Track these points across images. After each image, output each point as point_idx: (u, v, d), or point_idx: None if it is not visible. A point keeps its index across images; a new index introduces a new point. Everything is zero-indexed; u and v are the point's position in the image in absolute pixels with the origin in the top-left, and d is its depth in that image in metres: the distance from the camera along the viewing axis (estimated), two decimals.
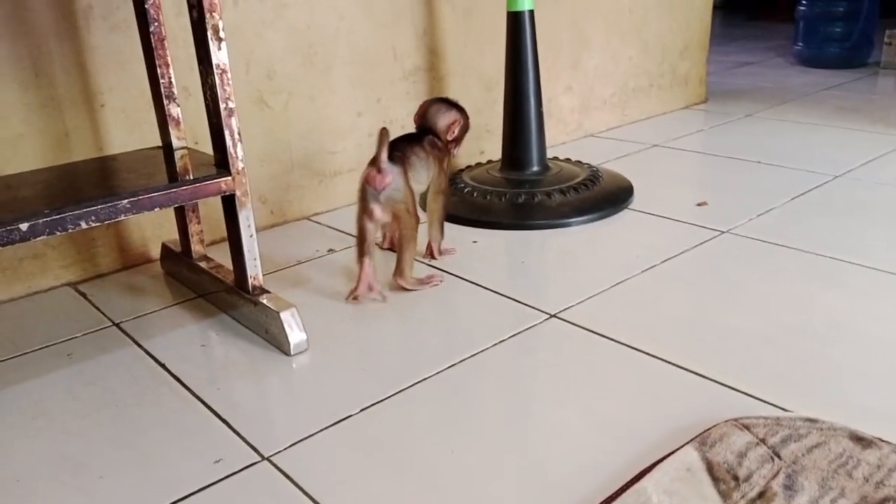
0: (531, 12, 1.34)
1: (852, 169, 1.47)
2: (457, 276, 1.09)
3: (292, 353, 0.89)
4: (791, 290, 0.99)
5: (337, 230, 1.29)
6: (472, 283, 1.06)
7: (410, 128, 1.46)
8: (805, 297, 0.97)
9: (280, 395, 0.84)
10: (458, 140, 1.14)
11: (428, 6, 1.44)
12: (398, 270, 1.04)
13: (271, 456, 0.72)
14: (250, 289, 0.93)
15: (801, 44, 2.63)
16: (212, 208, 1.18)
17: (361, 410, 0.78)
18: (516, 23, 1.34)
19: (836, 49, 2.55)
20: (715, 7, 4.34)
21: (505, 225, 1.28)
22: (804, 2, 2.58)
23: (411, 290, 1.04)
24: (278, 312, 0.89)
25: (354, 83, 1.37)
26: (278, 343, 0.90)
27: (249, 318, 0.95)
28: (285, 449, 0.73)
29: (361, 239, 1.02)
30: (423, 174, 1.07)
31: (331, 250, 1.20)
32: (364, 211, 1.01)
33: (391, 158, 0.99)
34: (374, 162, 0.99)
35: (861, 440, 0.67)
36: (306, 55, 1.30)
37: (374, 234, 1.03)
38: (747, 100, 2.12)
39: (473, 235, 1.24)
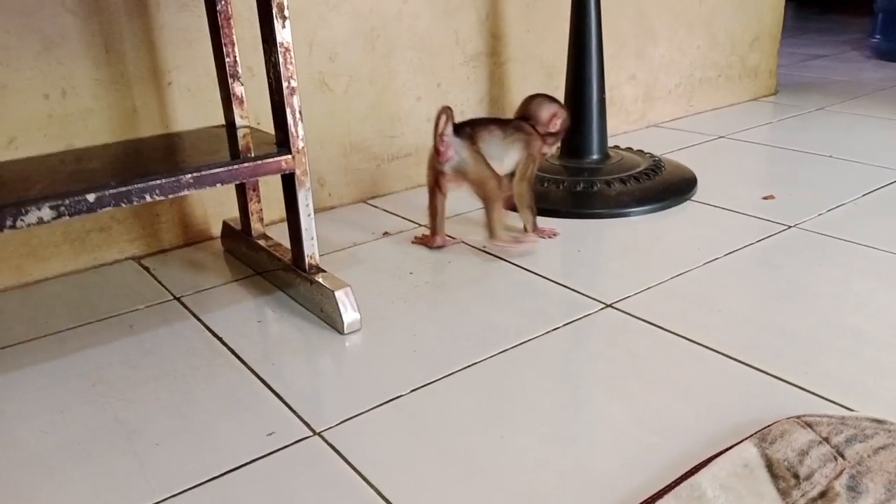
0: None
1: None
2: (511, 262, 1.08)
3: (346, 331, 0.89)
4: (858, 289, 0.95)
5: (393, 214, 1.29)
6: (526, 269, 1.05)
7: (469, 113, 1.46)
8: (872, 297, 0.93)
9: (332, 372, 0.84)
10: (557, 134, 1.16)
11: None
12: (488, 233, 1.08)
13: (322, 431, 0.72)
14: (307, 267, 0.94)
15: (878, 36, 2.52)
16: (272, 188, 1.20)
17: (411, 391, 0.78)
18: (581, 8, 1.32)
19: None
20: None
21: (562, 213, 1.26)
22: None
23: (507, 246, 1.08)
24: (333, 291, 0.89)
25: (415, 68, 1.37)
26: (332, 322, 0.91)
27: (305, 296, 0.96)
28: (336, 425, 0.73)
29: (433, 213, 1.11)
30: (499, 151, 1.08)
31: (386, 233, 1.21)
32: (434, 183, 1.09)
33: (458, 134, 1.04)
34: (440, 133, 1.03)
35: None
36: (368, 39, 1.30)
37: (444, 208, 1.11)
38: (819, 93, 2.05)
39: None
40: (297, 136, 0.90)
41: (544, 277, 1.03)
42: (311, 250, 0.94)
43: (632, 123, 1.78)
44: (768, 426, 0.67)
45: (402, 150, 1.39)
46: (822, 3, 4.06)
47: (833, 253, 1.06)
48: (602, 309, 0.94)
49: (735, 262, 1.05)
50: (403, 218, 1.27)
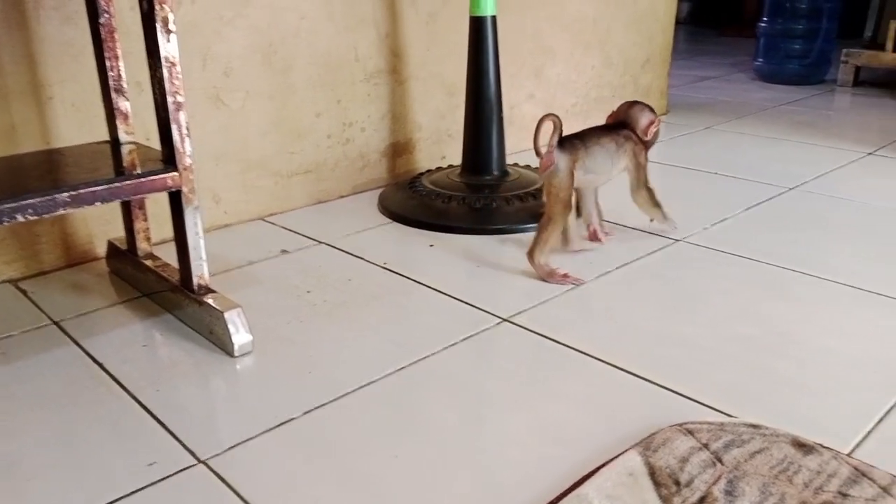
0: (493, 18, 1.34)
1: (806, 181, 1.49)
2: (411, 279, 1.08)
3: (236, 354, 0.87)
4: (742, 299, 1.00)
5: (292, 231, 1.27)
6: (426, 286, 1.05)
7: (371, 131, 1.46)
8: (755, 307, 0.98)
9: (221, 397, 0.81)
10: (651, 142, 1.18)
11: (391, 9, 1.43)
12: (530, 249, 1.07)
13: (208, 459, 0.70)
14: (195, 288, 0.91)
15: (761, 60, 2.68)
16: (162, 206, 1.16)
17: (305, 414, 0.76)
18: (478, 28, 1.34)
19: (794, 66, 2.60)
20: (681, 22, 4.42)
21: (463, 229, 1.27)
22: (765, 19, 2.63)
23: (539, 272, 1.06)
24: (223, 312, 0.86)
25: (314, 84, 1.36)
26: (222, 344, 0.88)
27: (194, 318, 0.93)
28: (223, 452, 0.71)
29: (578, 215, 1.13)
30: (606, 164, 1.11)
31: (284, 251, 1.18)
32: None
33: (563, 146, 1.06)
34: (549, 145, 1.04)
35: (803, 446, 0.67)
36: (266, 54, 1.28)
37: (589, 203, 1.14)
38: (707, 113, 2.15)
39: (431, 239, 1.23)
40: (185, 153, 0.87)
41: (443, 293, 1.03)
42: (199, 270, 0.91)
43: (532, 141, 1.81)
44: (652, 435, 0.69)
45: (303, 167, 1.37)
46: (713, 25, 4.29)
47: (718, 265, 1.11)
48: (499, 323, 0.95)
49: (627, 275, 1.08)
50: (303, 235, 1.25)
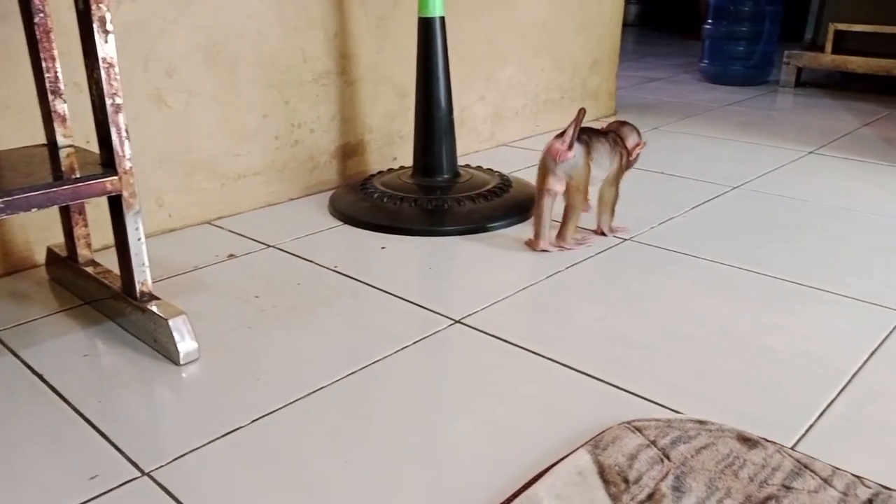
0: (442, 19, 1.34)
1: (750, 181, 1.53)
2: (362, 282, 1.07)
3: (182, 362, 0.85)
4: (687, 298, 1.02)
5: (240, 235, 1.25)
6: (377, 289, 1.05)
7: (321, 132, 1.45)
8: (700, 305, 1.00)
9: (166, 406, 0.79)
10: (632, 164, 1.25)
11: (339, 10, 1.42)
12: (560, 234, 1.17)
13: (152, 471, 0.68)
14: (138, 295, 0.89)
15: (706, 61, 2.74)
16: (104, 211, 1.12)
17: (253, 422, 0.75)
18: (427, 29, 1.34)
19: (739, 67, 2.67)
20: (629, 24, 4.50)
21: (414, 231, 1.27)
22: (710, 22, 2.69)
23: (568, 248, 1.17)
24: (167, 320, 0.84)
25: (261, 84, 1.33)
26: (167, 352, 0.86)
27: (137, 326, 0.90)
28: (167, 464, 0.69)
29: (538, 215, 1.16)
30: (606, 161, 1.17)
31: (231, 255, 1.16)
32: (542, 185, 1.14)
33: (579, 139, 1.11)
34: (562, 135, 1.10)
35: (747, 441, 0.69)
36: (210, 54, 1.26)
37: (551, 209, 1.15)
38: (654, 114, 2.19)
39: (382, 241, 1.22)
40: (124, 156, 0.84)
41: (395, 296, 1.02)
42: (142, 277, 0.88)
43: (482, 143, 1.82)
44: (601, 433, 0.70)
45: (250, 169, 1.35)
46: (660, 28, 4.37)
47: (664, 264, 1.13)
48: (451, 325, 0.95)
49: (576, 275, 1.09)
50: (251, 239, 1.23)
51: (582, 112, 1.11)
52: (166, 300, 0.91)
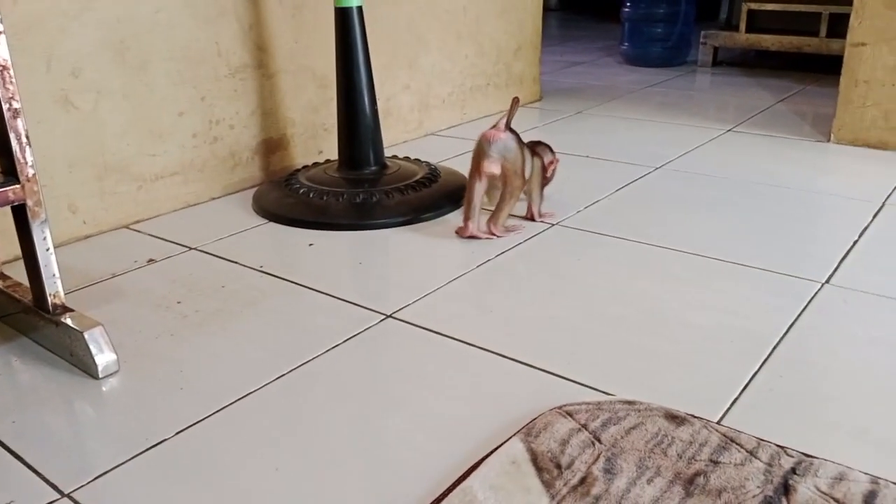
0: (360, 8, 1.31)
1: (672, 160, 1.56)
2: (290, 281, 1.04)
3: (101, 375, 0.81)
4: (613, 279, 1.03)
5: (159, 238, 1.20)
6: (305, 287, 1.02)
7: (241, 128, 1.40)
8: (626, 285, 1.01)
9: (86, 423, 0.76)
10: (549, 180, 1.29)
11: (253, 1, 1.38)
12: (493, 217, 1.17)
13: (72, 492, 0.65)
14: (51, 308, 0.84)
15: (626, 44, 2.78)
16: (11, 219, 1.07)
17: (177, 434, 0.72)
18: (344, 19, 1.31)
19: (658, 49, 2.72)
20: (551, 9, 4.53)
21: (343, 226, 1.25)
22: (628, 4, 2.73)
23: (498, 235, 1.17)
24: (82, 332, 0.80)
25: (175, 81, 1.29)
26: (85, 366, 0.82)
27: (52, 340, 0.86)
28: (88, 483, 0.66)
29: (468, 200, 1.16)
30: (528, 166, 1.19)
31: (151, 260, 1.12)
32: (475, 169, 1.14)
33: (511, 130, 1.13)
34: (496, 124, 1.13)
35: (675, 418, 0.70)
36: (118, 51, 1.20)
37: (482, 195, 1.15)
38: (578, 98, 2.21)
39: (310, 238, 1.20)
40: (26, 163, 0.80)
41: (324, 293, 1.01)
42: (53, 288, 0.84)
43: (410, 132, 1.81)
44: (534, 420, 0.70)
45: (167, 169, 1.30)
46: (582, 11, 4.42)
47: (592, 246, 1.14)
48: (382, 320, 0.93)
49: (506, 262, 1.09)
50: (171, 242, 1.18)
51: (516, 101, 1.14)
52: (82, 311, 0.87)
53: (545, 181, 1.27)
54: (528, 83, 2.16)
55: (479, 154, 1.14)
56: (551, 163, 1.27)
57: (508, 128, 1.14)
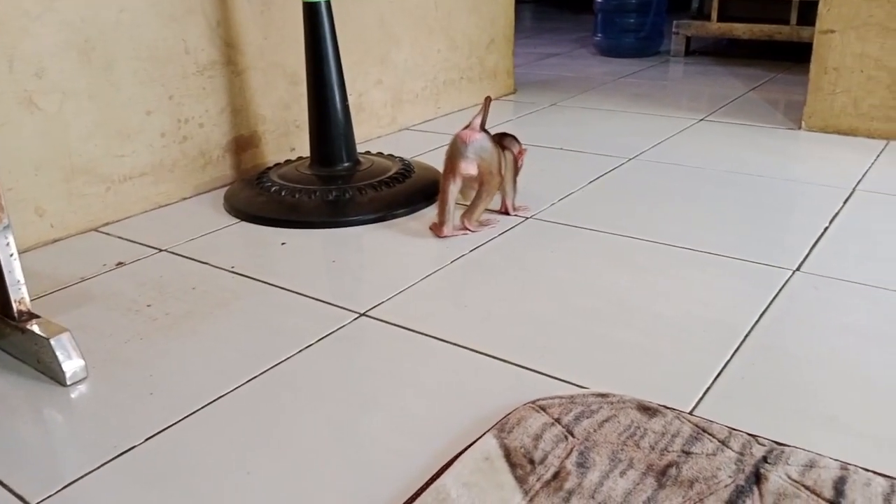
0: (328, 3, 1.30)
1: (645, 151, 1.57)
2: (262, 281, 1.03)
3: (68, 382, 0.80)
4: (586, 271, 1.03)
5: (129, 240, 1.18)
6: (278, 287, 1.01)
7: (211, 126, 1.39)
8: (598, 278, 1.01)
9: (54, 431, 0.75)
10: (519, 169, 1.27)
11: None
12: (468, 212, 1.17)
13: (39, 502, 0.63)
14: (16, 315, 0.83)
15: (600, 35, 2.79)
16: None
17: (147, 440, 0.71)
18: (313, 14, 1.30)
19: (631, 40, 2.73)
20: (524, 1, 4.52)
21: (316, 224, 1.24)
22: None
23: (473, 231, 1.17)
24: (48, 339, 0.79)
25: (142, 80, 1.27)
26: (52, 373, 0.81)
27: (19, 347, 0.84)
28: (57, 492, 0.65)
29: (443, 201, 1.15)
30: (503, 163, 1.19)
31: (120, 263, 1.10)
32: (449, 170, 1.13)
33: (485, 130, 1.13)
34: (469, 126, 1.13)
35: (647, 410, 0.70)
36: (83, 50, 1.18)
37: (455, 196, 1.15)
38: (552, 90, 2.21)
39: (282, 237, 1.19)
40: None
41: (297, 293, 1.00)
42: (18, 295, 0.82)
43: (384, 128, 1.80)
44: (507, 415, 0.70)
45: (136, 170, 1.28)
46: (559, 3, 4.42)
47: (564, 239, 1.14)
48: (356, 318, 0.93)
49: (480, 257, 1.09)
50: (141, 244, 1.17)
51: (488, 100, 1.15)
52: (49, 317, 0.85)
53: (516, 170, 1.27)
54: (501, 76, 2.15)
55: (454, 155, 1.14)
56: (520, 153, 1.27)
57: (482, 128, 1.13)
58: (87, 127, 1.21)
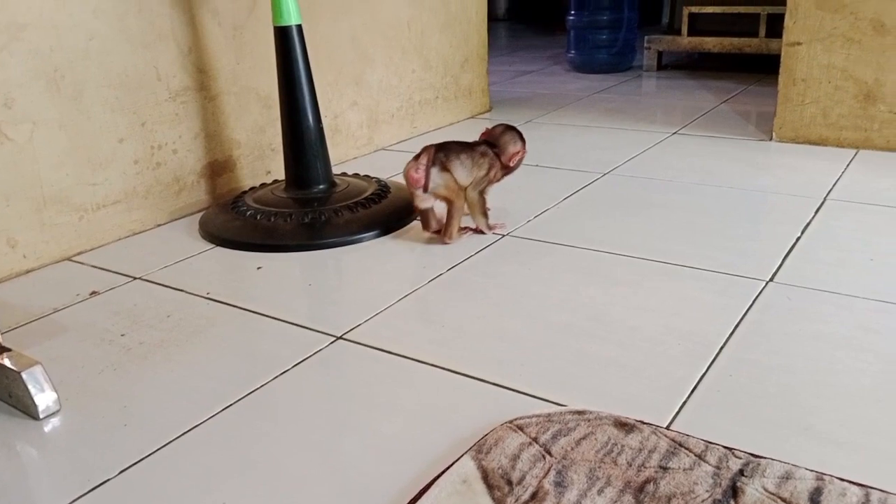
0: (299, 27, 1.30)
1: (619, 165, 1.58)
2: (237, 307, 1.03)
3: (41, 416, 0.79)
4: (561, 287, 1.03)
5: (102, 269, 1.17)
6: (253, 312, 1.01)
7: (185, 152, 1.38)
8: (574, 293, 1.02)
9: (26, 465, 0.73)
10: (513, 169, 1.26)
11: (191, 23, 1.36)
12: (445, 232, 1.20)
13: None
14: None
15: (573, 52, 2.82)
16: None
17: (121, 472, 0.70)
18: (284, 38, 1.30)
19: (603, 55, 2.76)
20: (499, 19, 4.57)
21: (292, 247, 1.23)
22: (573, 12, 2.77)
23: (453, 242, 1.20)
24: (20, 372, 0.78)
25: (113, 107, 1.26)
26: (25, 407, 0.79)
27: None
28: None
29: (424, 219, 1.24)
30: (464, 174, 1.18)
31: (94, 292, 1.09)
32: (414, 199, 1.18)
33: (434, 162, 1.15)
34: (417, 158, 1.15)
35: (624, 426, 0.70)
36: (52, 79, 1.18)
37: (435, 214, 1.22)
38: (527, 107, 2.23)
39: (258, 261, 1.18)
40: None
41: (273, 318, 0.99)
42: None
43: (360, 148, 1.80)
44: (485, 436, 0.69)
45: (109, 198, 1.27)
46: (529, 21, 4.46)
47: (540, 255, 1.14)
48: (333, 342, 0.92)
49: (456, 276, 1.09)
50: (115, 272, 1.16)
51: (430, 149, 1.16)
52: (21, 349, 0.84)
53: (508, 170, 1.26)
54: (476, 95, 2.17)
55: (409, 192, 1.18)
56: (517, 153, 1.25)
57: (428, 175, 1.14)
58: (58, 156, 1.20)
